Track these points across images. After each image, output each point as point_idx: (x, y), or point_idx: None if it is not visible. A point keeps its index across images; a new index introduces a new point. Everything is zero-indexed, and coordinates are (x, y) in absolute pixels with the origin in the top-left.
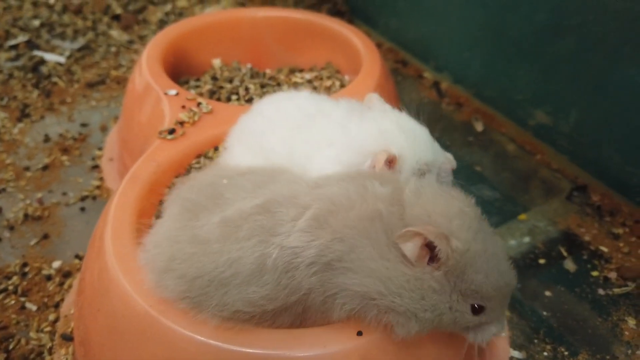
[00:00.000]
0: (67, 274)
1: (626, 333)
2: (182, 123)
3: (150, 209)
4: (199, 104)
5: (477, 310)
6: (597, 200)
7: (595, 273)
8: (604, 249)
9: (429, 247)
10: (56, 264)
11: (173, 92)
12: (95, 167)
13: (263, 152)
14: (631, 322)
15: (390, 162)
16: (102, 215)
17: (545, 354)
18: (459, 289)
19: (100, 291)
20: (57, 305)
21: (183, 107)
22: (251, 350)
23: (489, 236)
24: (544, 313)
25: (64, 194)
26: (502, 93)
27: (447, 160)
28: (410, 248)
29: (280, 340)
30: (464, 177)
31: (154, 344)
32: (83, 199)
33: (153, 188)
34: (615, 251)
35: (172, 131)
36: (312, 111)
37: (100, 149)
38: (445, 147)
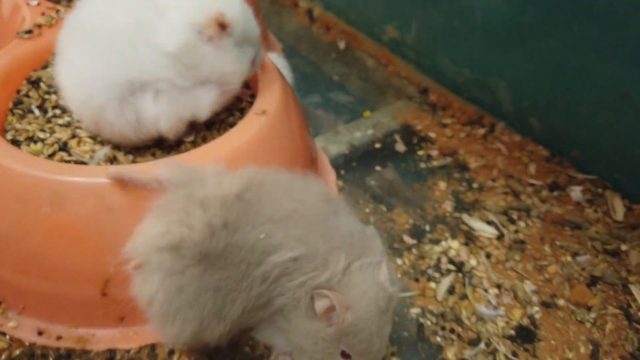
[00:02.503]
0: None
1: (437, 193)
2: (40, 26)
3: (7, 97)
4: (57, 11)
5: (346, 356)
6: (434, 99)
7: (421, 152)
8: (432, 134)
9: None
10: None
11: (34, 2)
12: None
13: (103, 37)
14: (442, 185)
15: (223, 26)
16: None
17: (367, 210)
18: (338, 341)
19: None
20: None
21: (43, 14)
22: (81, 179)
23: (382, 323)
24: (372, 182)
25: None
26: (362, 15)
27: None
28: (320, 305)
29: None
30: (324, 86)
31: None
32: None
33: (9, 78)
34: (441, 136)
35: (29, 32)
36: None
37: None
38: (311, 62)
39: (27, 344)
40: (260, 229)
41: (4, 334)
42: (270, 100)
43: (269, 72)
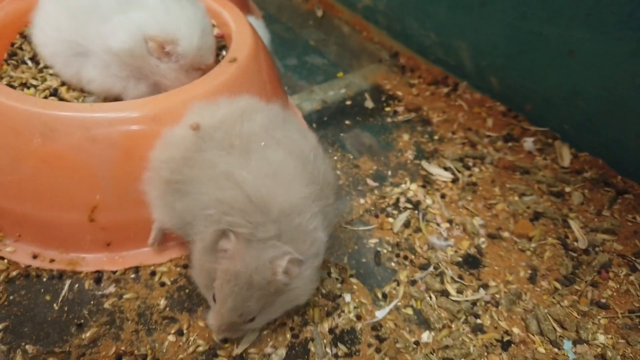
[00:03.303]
0: None
1: (400, 144)
2: None
3: (2, 49)
4: None
5: (213, 299)
6: (404, 62)
7: (388, 108)
8: (400, 93)
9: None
10: None
11: None
12: None
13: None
14: (406, 137)
15: (167, 53)
16: None
17: (335, 158)
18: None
19: None
20: None
21: None
22: (69, 113)
23: (247, 295)
24: (341, 134)
25: None
26: None
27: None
28: (224, 242)
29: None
30: (301, 49)
31: None
32: None
33: (3, 32)
34: (407, 94)
35: None
36: None
37: None
38: (289, 28)
39: (23, 266)
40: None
41: (2, 258)
42: (241, 50)
43: (242, 27)
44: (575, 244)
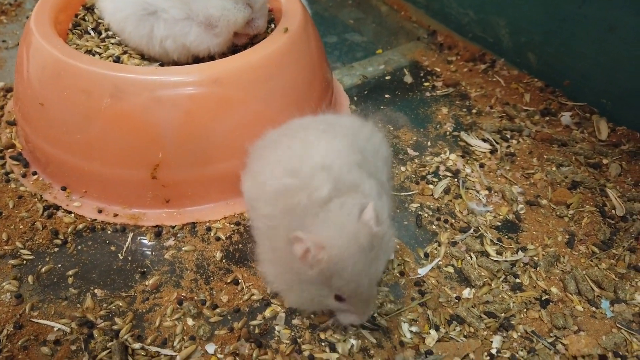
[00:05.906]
0: (9, 90)
1: (439, 117)
2: None
3: (67, 19)
4: None
5: (339, 299)
6: (441, 40)
7: (426, 84)
8: (438, 69)
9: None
10: (0, 84)
11: None
12: None
13: None
14: (444, 110)
15: None
16: (28, 20)
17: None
18: (326, 284)
19: (28, 59)
20: (2, 108)
21: None
22: (135, 76)
23: (367, 261)
24: (382, 107)
25: (4, 41)
26: None
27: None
28: (297, 248)
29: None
30: (340, 28)
31: (68, 79)
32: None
33: (68, 3)
34: (445, 70)
35: None
36: None
37: None
38: (328, 7)
39: (89, 219)
40: None
41: (69, 212)
42: (292, 21)
43: (292, 1)
44: (613, 211)
